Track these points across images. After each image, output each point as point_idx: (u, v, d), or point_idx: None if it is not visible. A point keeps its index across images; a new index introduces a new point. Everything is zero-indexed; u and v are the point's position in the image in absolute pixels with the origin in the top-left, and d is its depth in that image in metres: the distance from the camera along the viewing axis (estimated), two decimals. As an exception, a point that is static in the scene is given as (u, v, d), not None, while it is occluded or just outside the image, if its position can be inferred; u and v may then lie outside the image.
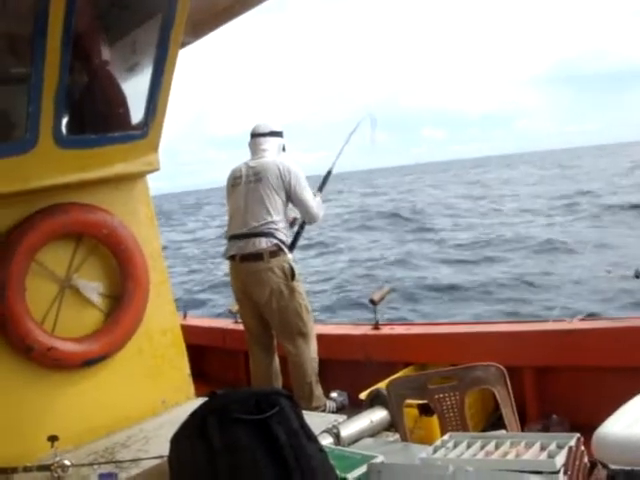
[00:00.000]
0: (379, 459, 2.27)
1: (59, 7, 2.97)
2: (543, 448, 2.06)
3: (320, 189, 5.06)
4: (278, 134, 4.86)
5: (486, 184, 44.60)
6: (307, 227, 5.00)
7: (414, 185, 55.01)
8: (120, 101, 3.65)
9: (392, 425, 3.02)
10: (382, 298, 5.00)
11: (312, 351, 4.65)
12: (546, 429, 3.72)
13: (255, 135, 4.83)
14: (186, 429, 1.76)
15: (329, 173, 5.19)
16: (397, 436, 2.95)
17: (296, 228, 4.94)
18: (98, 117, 3.66)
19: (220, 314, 9.05)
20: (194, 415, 1.75)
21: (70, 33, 3.06)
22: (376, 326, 4.99)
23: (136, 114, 3.64)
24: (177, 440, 1.78)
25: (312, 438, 1.83)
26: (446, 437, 2.29)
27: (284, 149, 4.86)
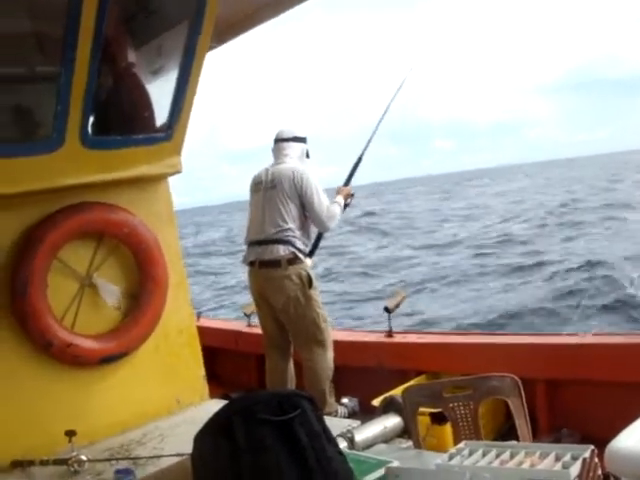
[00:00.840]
0: (395, 464, 2.29)
1: (91, 9, 3.03)
2: (557, 459, 2.06)
3: (347, 182, 5.02)
4: (302, 140, 4.83)
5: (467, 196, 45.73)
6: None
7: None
8: (145, 104, 3.70)
9: (405, 432, 3.03)
10: (397, 306, 4.98)
11: (328, 359, 4.64)
12: (557, 442, 3.71)
13: (278, 140, 4.81)
14: (210, 427, 1.78)
15: (359, 160, 5.11)
16: (410, 443, 2.94)
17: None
18: (124, 119, 3.71)
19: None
20: (218, 414, 1.77)
21: (101, 36, 3.12)
22: (389, 334, 4.99)
23: (161, 117, 3.69)
24: (201, 438, 1.81)
25: (332, 441, 1.86)
26: (461, 445, 2.30)
27: (308, 155, 4.83)
